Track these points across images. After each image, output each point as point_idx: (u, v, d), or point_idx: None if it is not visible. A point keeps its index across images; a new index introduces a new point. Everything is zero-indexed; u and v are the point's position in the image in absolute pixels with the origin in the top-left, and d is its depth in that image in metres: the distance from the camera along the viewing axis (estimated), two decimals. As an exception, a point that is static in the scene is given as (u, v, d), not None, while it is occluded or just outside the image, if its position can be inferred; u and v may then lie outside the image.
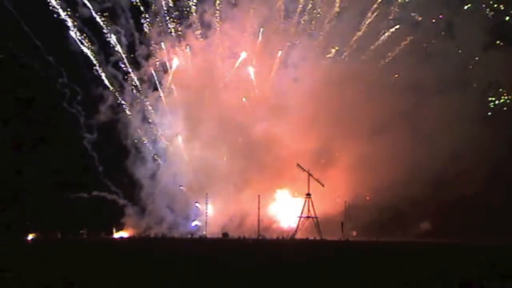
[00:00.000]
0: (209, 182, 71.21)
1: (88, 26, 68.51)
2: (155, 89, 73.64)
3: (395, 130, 66.75)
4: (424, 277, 24.83)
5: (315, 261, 35.10)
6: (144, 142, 73.49)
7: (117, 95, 71.95)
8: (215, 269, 28.66)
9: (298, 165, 66.84)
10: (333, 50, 71.55)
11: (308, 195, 68.66)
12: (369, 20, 69.52)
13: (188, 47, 73.21)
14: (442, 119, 65.06)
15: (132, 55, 71.57)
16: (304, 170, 67.31)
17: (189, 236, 70.72)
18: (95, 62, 69.66)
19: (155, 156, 73.77)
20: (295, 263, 33.66)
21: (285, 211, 72.76)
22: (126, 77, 71.99)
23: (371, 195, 65.27)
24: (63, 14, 67.01)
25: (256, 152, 69.93)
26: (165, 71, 73.62)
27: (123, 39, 70.74)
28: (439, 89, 65.69)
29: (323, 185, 67.11)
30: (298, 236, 69.50)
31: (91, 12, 68.04)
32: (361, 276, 25.47)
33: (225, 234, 70.19)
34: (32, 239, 64.67)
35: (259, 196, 67.82)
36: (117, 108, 72.36)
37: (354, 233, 70.27)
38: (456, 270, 27.93)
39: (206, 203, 71.43)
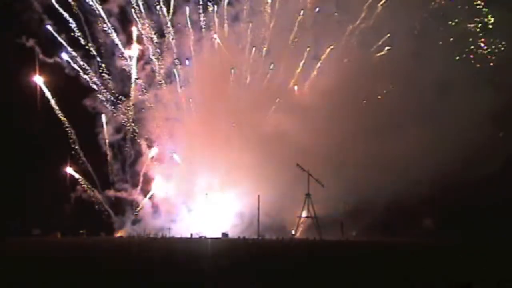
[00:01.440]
0: (224, 182, 71.11)
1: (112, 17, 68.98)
2: (171, 82, 73.88)
3: (412, 128, 66.35)
4: (423, 278, 24.70)
5: (314, 261, 35.02)
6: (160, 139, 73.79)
7: (142, 89, 72.24)
8: (215, 269, 28.61)
9: (297, 165, 66.72)
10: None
11: (308, 195, 68.59)
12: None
13: (215, 38, 73.14)
14: (464, 119, 63.54)
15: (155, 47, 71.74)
16: (304, 170, 67.19)
17: (189, 236, 70.77)
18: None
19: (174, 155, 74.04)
20: (294, 263, 33.59)
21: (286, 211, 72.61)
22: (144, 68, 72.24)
23: (377, 195, 64.70)
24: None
25: (269, 151, 69.65)
26: (185, 62, 73.65)
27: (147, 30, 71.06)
28: (467, 88, 63.74)
29: (323, 185, 67.00)
30: (298, 236, 69.47)
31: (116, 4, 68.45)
32: (359, 276, 25.39)
33: (224, 234, 70.19)
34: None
35: (258, 196, 67.74)
36: (138, 105, 72.92)
37: (354, 233, 70.25)
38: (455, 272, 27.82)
39: (206, 203, 71.52)
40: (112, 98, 70.97)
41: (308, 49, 71.43)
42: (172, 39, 72.31)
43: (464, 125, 62.64)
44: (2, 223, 60.79)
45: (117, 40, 69.55)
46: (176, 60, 73.30)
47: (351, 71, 68.17)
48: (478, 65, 65.01)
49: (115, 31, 69.21)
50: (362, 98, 69.01)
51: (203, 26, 72.51)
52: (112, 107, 71.23)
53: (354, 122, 68.77)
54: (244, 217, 71.17)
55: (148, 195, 72.51)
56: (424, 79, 65.98)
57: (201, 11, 71.85)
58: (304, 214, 69.63)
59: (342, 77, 68.55)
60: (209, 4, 71.96)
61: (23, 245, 52.08)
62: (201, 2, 71.79)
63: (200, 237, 69.90)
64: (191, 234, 70.87)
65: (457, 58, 65.77)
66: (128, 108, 72.12)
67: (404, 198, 63.13)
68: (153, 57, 72.16)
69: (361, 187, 65.30)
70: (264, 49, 72.72)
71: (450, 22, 65.62)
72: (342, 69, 69.41)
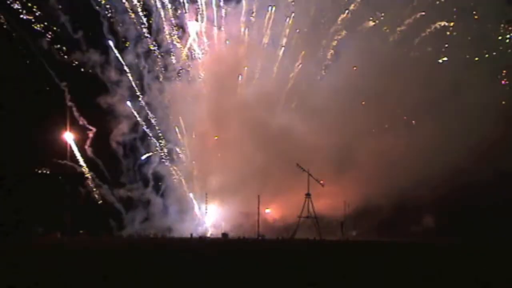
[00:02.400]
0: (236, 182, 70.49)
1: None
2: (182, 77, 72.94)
3: (421, 126, 66.39)
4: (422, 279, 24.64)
5: (313, 261, 34.95)
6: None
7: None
8: (214, 269, 28.56)
9: (297, 165, 66.53)
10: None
11: (308, 195, 68.45)
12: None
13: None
14: (472, 119, 62.89)
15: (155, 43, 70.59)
16: (304, 170, 67.03)
17: (189, 236, 70.69)
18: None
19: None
20: (294, 263, 33.53)
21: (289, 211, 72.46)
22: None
23: (382, 196, 64.39)
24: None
25: (276, 150, 69.05)
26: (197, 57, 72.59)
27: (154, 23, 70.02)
28: (478, 87, 62.58)
29: (322, 185, 66.87)
30: (298, 236, 69.37)
31: None
32: (359, 276, 25.33)
33: (224, 234, 70.20)
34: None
35: (258, 196, 67.69)
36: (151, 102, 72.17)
37: (354, 233, 70.20)
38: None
39: (206, 203, 71.46)
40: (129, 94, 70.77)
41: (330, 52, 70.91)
42: (188, 35, 71.37)
43: (472, 125, 62.23)
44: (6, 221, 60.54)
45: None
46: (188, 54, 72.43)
47: (362, 69, 67.53)
48: None
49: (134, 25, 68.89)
50: (372, 97, 67.88)
51: (216, 24, 71.37)
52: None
53: (361, 121, 68.42)
54: (250, 217, 71.02)
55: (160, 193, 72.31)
56: (438, 77, 65.39)
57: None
58: (304, 214, 69.46)
59: (353, 76, 67.86)
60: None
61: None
62: None
63: (200, 237, 69.84)
64: (191, 234, 70.77)
65: (476, 58, 64.65)
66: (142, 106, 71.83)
67: (406, 198, 63.02)
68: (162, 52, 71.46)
69: (364, 187, 65.14)
70: (281, 49, 71.60)
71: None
72: (353, 67, 68.59)
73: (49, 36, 65.07)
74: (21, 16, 62.86)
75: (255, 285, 22.65)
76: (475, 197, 59.31)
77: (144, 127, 71.71)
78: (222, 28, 71.71)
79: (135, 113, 70.79)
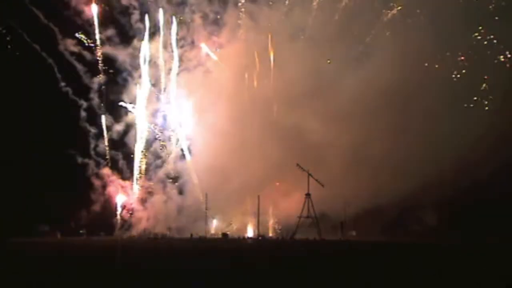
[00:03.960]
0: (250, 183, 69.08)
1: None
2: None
3: (423, 128, 65.62)
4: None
5: (313, 261, 34.95)
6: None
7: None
8: (214, 269, 28.55)
9: (297, 165, 66.34)
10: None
11: (308, 195, 68.33)
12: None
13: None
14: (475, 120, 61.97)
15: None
16: (304, 170, 66.89)
17: (190, 236, 70.63)
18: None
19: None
20: (294, 263, 33.54)
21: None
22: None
23: (386, 197, 64.10)
24: None
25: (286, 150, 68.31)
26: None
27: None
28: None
29: (323, 185, 66.72)
30: (298, 236, 69.31)
31: None
32: (360, 276, 25.30)
33: (224, 234, 70.18)
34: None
35: (258, 196, 67.49)
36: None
37: (354, 233, 70.15)
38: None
39: (206, 202, 71.31)
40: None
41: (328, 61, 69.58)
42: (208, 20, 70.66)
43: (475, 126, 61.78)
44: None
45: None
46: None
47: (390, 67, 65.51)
48: None
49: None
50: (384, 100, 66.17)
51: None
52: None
53: (372, 123, 67.82)
54: (254, 217, 70.95)
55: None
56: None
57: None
58: (304, 214, 69.33)
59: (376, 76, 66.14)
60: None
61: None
62: None
63: (200, 238, 69.80)
64: (191, 235, 70.63)
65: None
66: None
67: (409, 198, 62.96)
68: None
69: (369, 188, 64.98)
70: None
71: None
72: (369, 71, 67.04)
73: None
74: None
75: (255, 285, 22.63)
76: (476, 197, 59.34)
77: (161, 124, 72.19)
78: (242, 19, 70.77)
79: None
